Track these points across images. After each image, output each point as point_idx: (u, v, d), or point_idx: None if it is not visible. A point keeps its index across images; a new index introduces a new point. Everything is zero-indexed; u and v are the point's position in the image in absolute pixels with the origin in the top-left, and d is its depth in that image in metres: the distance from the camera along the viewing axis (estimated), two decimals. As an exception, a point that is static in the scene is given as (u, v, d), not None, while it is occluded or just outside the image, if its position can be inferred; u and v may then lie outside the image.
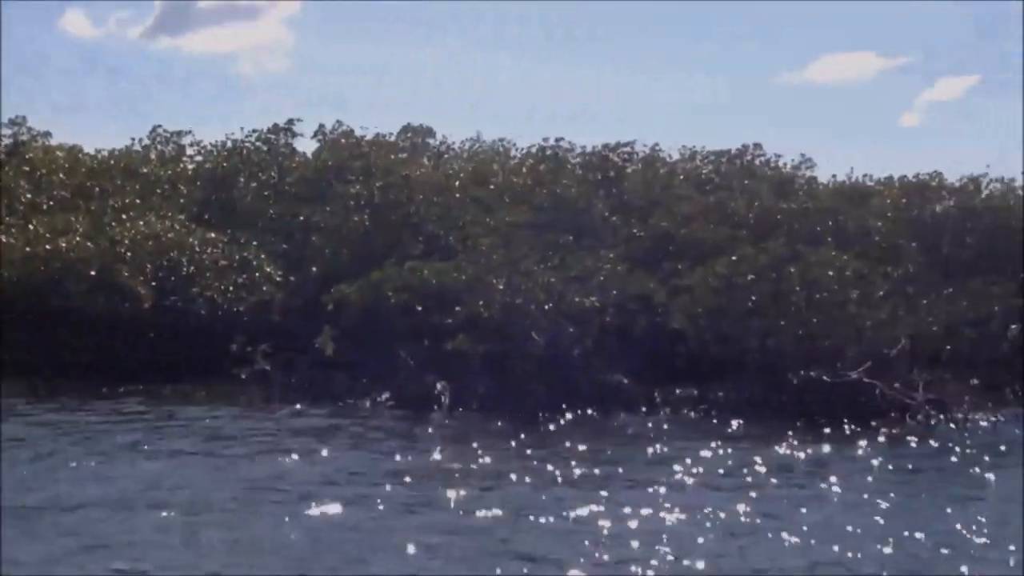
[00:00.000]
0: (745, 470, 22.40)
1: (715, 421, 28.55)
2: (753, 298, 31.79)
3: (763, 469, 22.53)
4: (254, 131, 43.05)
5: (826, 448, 25.06)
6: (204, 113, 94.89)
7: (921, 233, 43.11)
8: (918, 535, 17.34)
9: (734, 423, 27.98)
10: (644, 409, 29.59)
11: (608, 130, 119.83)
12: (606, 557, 16.10)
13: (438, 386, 28.71)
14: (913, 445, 25.62)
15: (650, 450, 24.14)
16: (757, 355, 30.91)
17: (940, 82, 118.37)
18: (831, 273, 32.31)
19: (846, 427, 27.39)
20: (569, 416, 27.78)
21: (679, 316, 32.08)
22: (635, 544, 16.65)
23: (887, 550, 16.60)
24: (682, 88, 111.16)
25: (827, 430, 26.91)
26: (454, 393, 28.72)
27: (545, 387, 28.57)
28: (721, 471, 22.26)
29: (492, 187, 39.36)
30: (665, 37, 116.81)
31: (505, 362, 29.16)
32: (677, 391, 31.95)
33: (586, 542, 16.71)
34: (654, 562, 15.76)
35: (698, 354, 32.24)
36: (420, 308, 31.44)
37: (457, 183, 39.02)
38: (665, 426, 27.76)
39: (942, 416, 28.00)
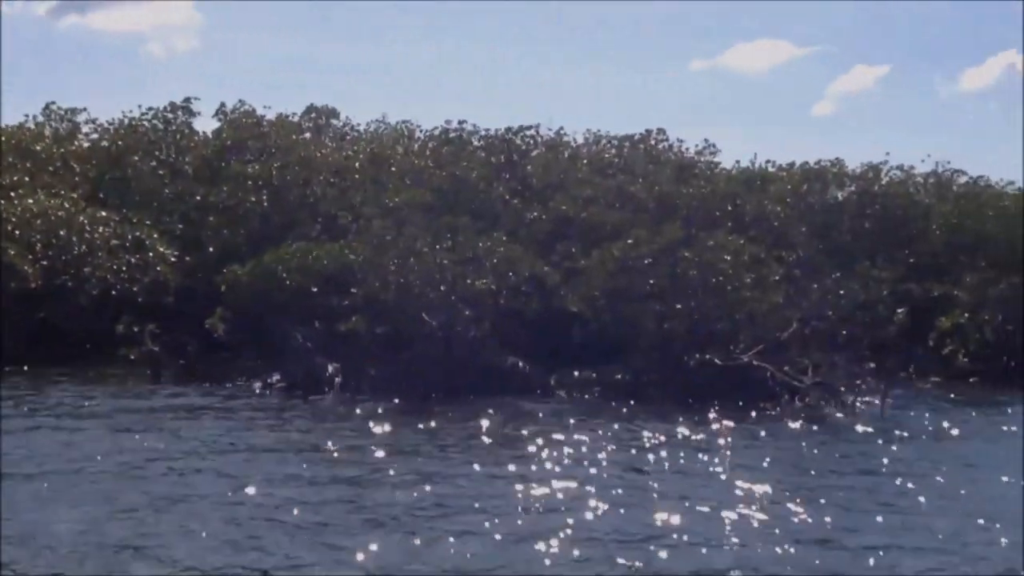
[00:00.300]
0: (633, 451, 22.41)
1: (611, 403, 28.54)
2: (650, 281, 31.81)
3: (649, 449, 22.57)
4: (150, 109, 42.27)
5: (714, 428, 25.19)
6: (112, 93, 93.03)
7: (819, 218, 43.75)
8: (791, 506, 17.45)
9: (627, 405, 28.00)
10: (539, 391, 29.49)
11: (523, 115, 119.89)
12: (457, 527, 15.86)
13: (329, 368, 28.39)
14: (796, 427, 25.80)
15: (538, 430, 24.01)
16: (653, 338, 31.01)
17: (853, 71, 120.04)
18: (728, 257, 32.45)
19: (736, 409, 27.54)
20: (462, 398, 27.50)
21: (576, 299, 32.09)
22: (500, 521, 16.40)
23: (756, 521, 16.66)
24: (598, 74, 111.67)
25: (715, 412, 27.02)
26: (346, 375, 28.43)
27: (439, 369, 28.35)
28: (607, 451, 22.23)
29: (392, 169, 39.05)
30: (582, 24, 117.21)
31: (399, 344, 28.92)
32: (575, 373, 32.02)
33: (429, 514, 16.54)
34: (532, 537, 15.61)
35: (596, 336, 32.33)
36: (315, 290, 31.10)
37: (356, 164, 38.57)
38: (558, 407, 27.74)
39: (830, 399, 28.23)
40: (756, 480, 19.40)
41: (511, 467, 20.11)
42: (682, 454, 22.13)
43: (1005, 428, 26.82)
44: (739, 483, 19.07)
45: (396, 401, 27.04)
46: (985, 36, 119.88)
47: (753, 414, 27.21)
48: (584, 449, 22.47)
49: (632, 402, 28.39)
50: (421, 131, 46.29)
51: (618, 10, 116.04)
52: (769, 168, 46.67)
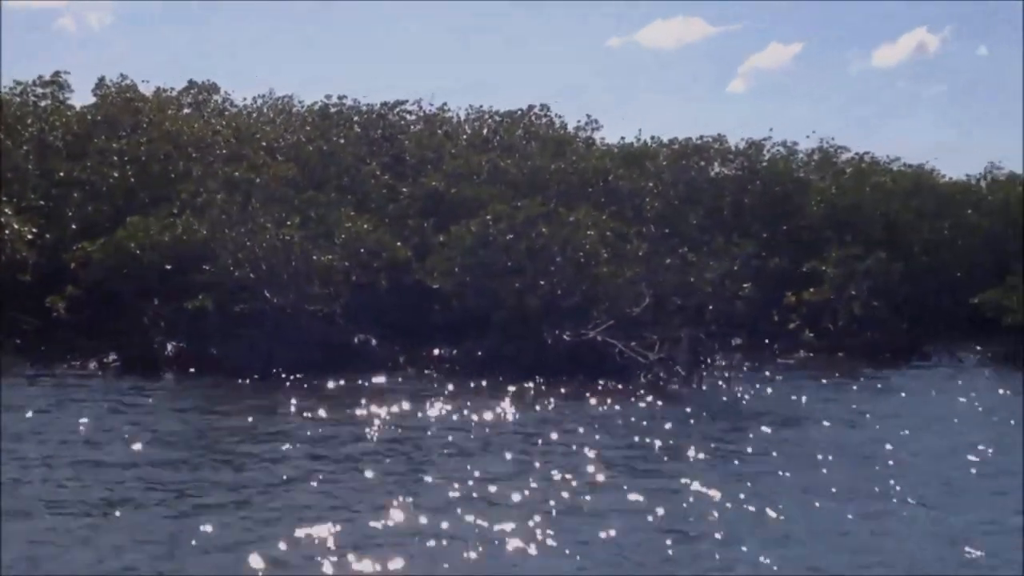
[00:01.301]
0: (474, 426, 22.17)
1: (461, 379, 28.33)
2: (510, 257, 31.64)
3: (480, 425, 22.41)
4: (17, 83, 41.25)
5: (553, 404, 25.10)
6: (25, 68, 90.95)
7: (698, 194, 43.86)
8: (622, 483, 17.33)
9: (478, 381, 27.82)
10: (389, 368, 29.26)
11: (441, 93, 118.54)
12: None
13: (168, 347, 27.92)
14: (637, 402, 25.78)
15: (372, 408, 23.73)
16: (511, 313, 30.87)
17: (768, 49, 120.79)
18: (591, 233, 32.39)
19: (583, 384, 27.51)
20: (307, 376, 27.11)
21: (435, 275, 31.86)
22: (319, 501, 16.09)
23: (588, 497, 16.50)
24: (516, 51, 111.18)
25: (563, 388, 26.97)
26: (187, 353, 27.97)
27: (284, 347, 27.96)
28: (445, 427, 22.04)
29: (262, 143, 38.49)
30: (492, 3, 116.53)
31: (244, 322, 28.48)
32: (436, 351, 31.86)
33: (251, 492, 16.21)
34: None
35: (457, 313, 32.14)
36: (169, 267, 30.55)
37: (221, 139, 37.91)
38: (404, 384, 27.47)
39: (674, 374, 28.25)
40: (566, 455, 19.33)
41: (335, 448, 19.73)
42: (511, 429, 21.99)
43: (853, 406, 26.66)
44: (570, 458, 18.97)
45: (239, 381, 26.58)
46: (897, 14, 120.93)
47: (599, 389, 27.16)
48: (413, 426, 22.26)
49: (484, 378, 28.20)
50: (301, 106, 45.66)
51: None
52: (650, 144, 46.61)
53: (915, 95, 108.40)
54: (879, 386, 30.37)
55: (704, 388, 28.08)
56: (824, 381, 30.43)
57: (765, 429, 22.54)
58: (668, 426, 22.71)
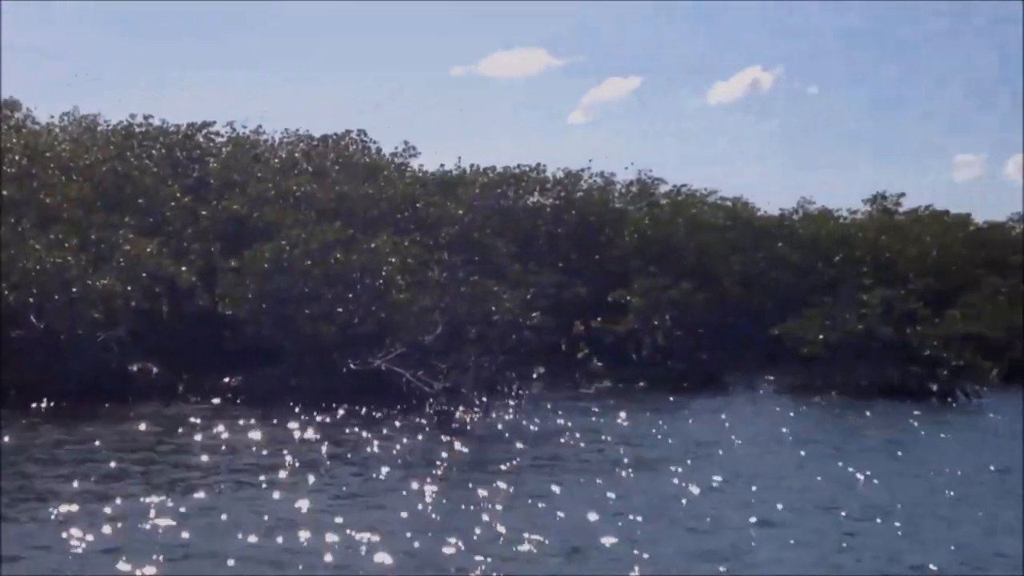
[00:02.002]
0: (243, 458, 21.35)
1: (248, 407, 27.54)
2: (307, 283, 30.97)
3: (250, 453, 21.66)
4: None
5: (345, 432, 24.43)
6: None
7: (513, 223, 43.92)
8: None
9: (264, 409, 26.99)
10: (169, 394, 28.31)
11: (282, 117, 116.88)
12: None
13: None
14: (420, 437, 25.22)
15: (137, 438, 22.80)
16: (306, 340, 30.20)
17: (607, 83, 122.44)
18: (393, 260, 31.97)
19: (368, 414, 27.01)
20: (75, 404, 25.94)
21: (228, 300, 31.02)
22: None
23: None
24: (358, 81, 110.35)
25: (349, 416, 26.51)
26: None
27: (56, 374, 26.76)
28: (213, 457, 21.19)
29: (58, 163, 37.00)
30: (339, 31, 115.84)
31: (18, 347, 27.19)
32: (225, 379, 30.93)
33: None
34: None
35: (249, 339, 31.31)
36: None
37: (14, 157, 36.26)
38: (179, 413, 26.52)
39: (459, 404, 27.89)
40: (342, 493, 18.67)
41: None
42: (280, 459, 21.26)
43: (628, 432, 26.70)
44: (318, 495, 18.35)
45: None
46: (732, 52, 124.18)
47: (376, 418, 26.67)
48: (184, 456, 21.40)
49: (272, 407, 27.41)
50: (107, 125, 44.18)
51: (380, 10, 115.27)
52: (468, 172, 46.52)
53: (748, 131, 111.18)
54: (661, 415, 30.25)
55: (493, 418, 27.76)
56: (623, 412, 30.39)
57: (521, 456, 22.29)
58: (419, 456, 22.17)
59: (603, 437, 25.27)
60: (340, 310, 30.74)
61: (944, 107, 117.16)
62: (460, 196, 41.28)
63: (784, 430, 27.97)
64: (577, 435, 25.51)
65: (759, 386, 39.03)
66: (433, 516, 16.80)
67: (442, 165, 47.22)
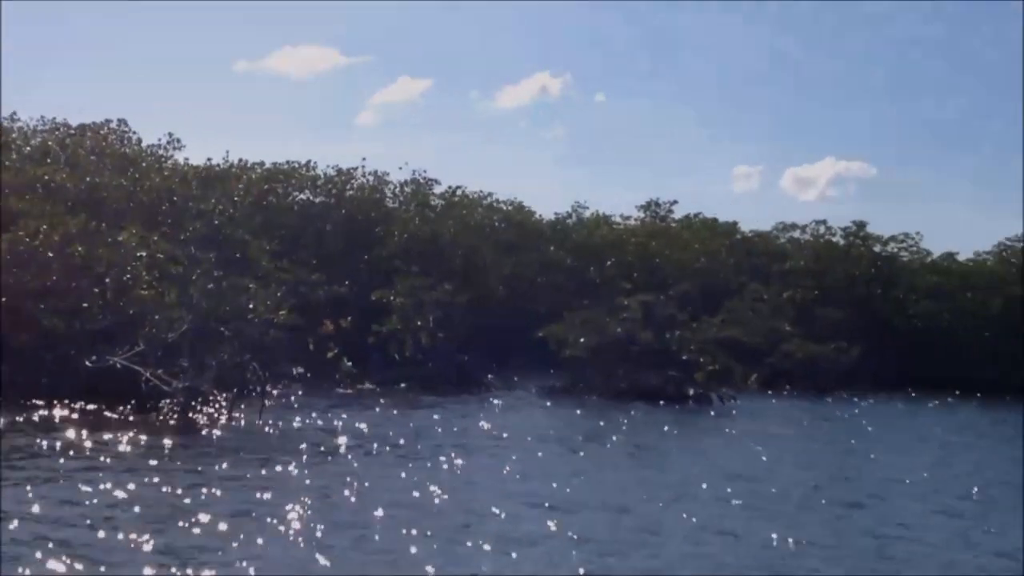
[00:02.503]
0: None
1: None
2: (45, 275, 29.29)
3: None
4: None
5: (81, 432, 22.98)
6: None
7: (280, 220, 42.91)
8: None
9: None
10: None
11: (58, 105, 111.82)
12: None
13: None
14: (144, 436, 24.02)
15: None
16: (41, 334, 28.52)
17: (397, 83, 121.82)
18: (141, 254, 30.60)
19: (102, 411, 25.68)
20: None
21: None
22: None
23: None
24: (130, 71, 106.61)
25: (80, 415, 25.09)
26: None
27: None
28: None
29: None
30: (115, 19, 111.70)
31: None
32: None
33: None
34: None
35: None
36: None
37: None
38: None
39: (199, 403, 26.84)
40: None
41: None
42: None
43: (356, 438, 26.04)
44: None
45: None
46: (521, 58, 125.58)
47: (111, 416, 25.39)
48: None
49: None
50: None
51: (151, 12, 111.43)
52: (235, 166, 45.20)
53: (535, 136, 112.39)
54: (410, 415, 29.79)
55: (235, 418, 26.79)
56: (376, 411, 29.87)
57: (234, 455, 21.50)
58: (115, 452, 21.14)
59: (337, 438, 24.56)
60: (85, 305, 29.23)
61: (725, 118, 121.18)
62: (222, 191, 39.95)
63: (526, 431, 27.84)
64: (314, 435, 24.84)
65: (521, 389, 39.09)
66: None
67: (209, 159, 45.77)
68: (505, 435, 27.04)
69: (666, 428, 31.43)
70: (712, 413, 36.55)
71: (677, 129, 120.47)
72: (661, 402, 36.87)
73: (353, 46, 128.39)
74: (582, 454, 24.75)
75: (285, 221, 42.68)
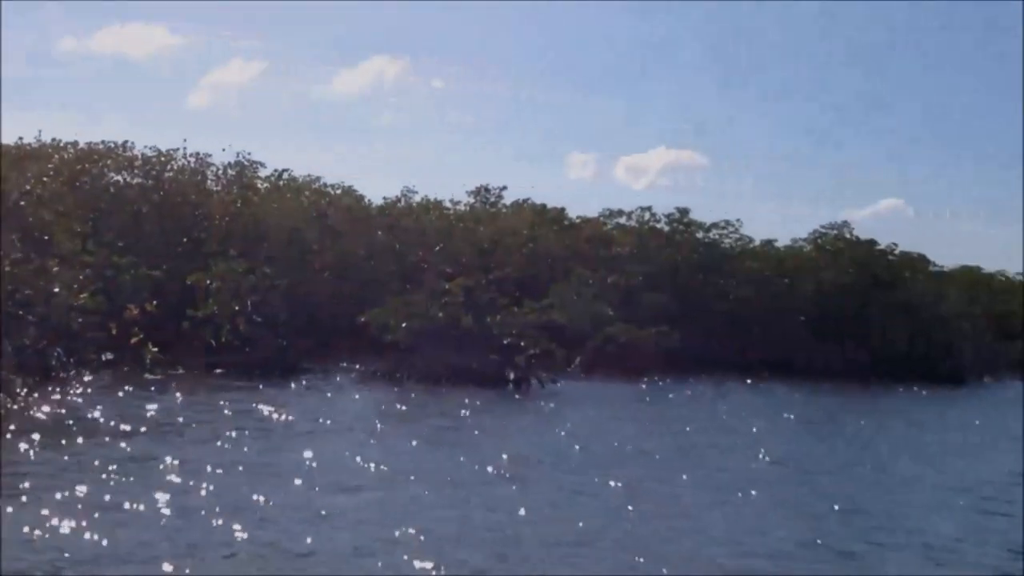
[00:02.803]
0: None
1: None
2: None
3: None
4: None
5: None
6: None
7: (93, 200, 41.70)
8: None
9: None
10: None
11: None
12: None
13: None
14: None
15: None
16: None
17: (231, 64, 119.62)
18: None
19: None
20: None
21: None
22: None
23: None
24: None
25: None
26: None
27: None
28: None
29: None
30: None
31: None
32: None
33: None
34: None
35: None
36: None
37: None
38: None
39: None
40: None
41: None
42: None
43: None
44: None
45: None
46: (358, 42, 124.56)
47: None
48: None
49: None
50: None
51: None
52: (46, 146, 43.76)
53: (373, 121, 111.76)
54: (211, 403, 29.28)
55: (32, 402, 25.91)
56: (177, 396, 29.27)
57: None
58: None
59: (122, 424, 23.92)
60: None
61: (561, 106, 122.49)
62: (33, 171, 38.54)
63: (332, 417, 27.65)
64: (108, 421, 24.23)
65: (343, 374, 38.82)
66: None
67: (20, 138, 44.18)
68: (304, 420, 26.78)
69: (476, 412, 31.37)
70: (530, 397, 36.93)
71: (514, 116, 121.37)
72: (481, 386, 36.99)
73: (183, 25, 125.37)
74: (373, 442, 24.49)
75: (98, 202, 41.46)
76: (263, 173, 50.59)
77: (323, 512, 16.61)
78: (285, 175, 51.31)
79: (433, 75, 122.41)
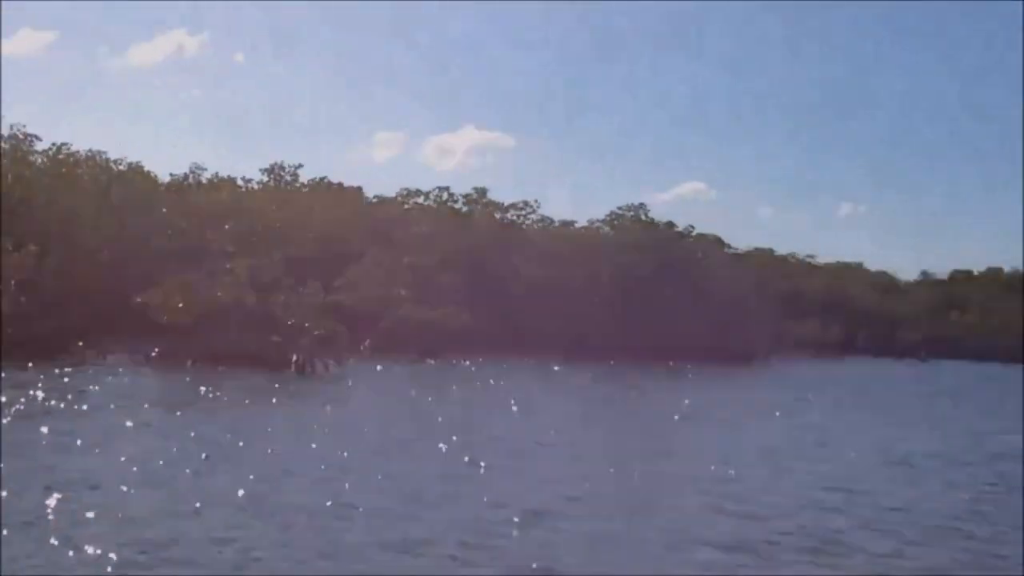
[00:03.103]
0: None
1: None
2: None
3: None
4: None
5: None
6: None
7: None
8: None
9: None
10: None
11: None
12: None
13: None
14: None
15: None
16: None
17: (19, 34, 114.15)
18: None
19: None
20: None
21: None
22: None
23: None
24: None
25: None
26: None
27: None
28: None
29: None
30: None
31: None
32: None
33: None
34: None
35: None
36: None
37: None
38: None
39: None
40: None
41: None
42: None
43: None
44: None
45: None
46: (155, 14, 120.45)
47: None
48: None
49: None
50: None
51: None
52: None
53: (172, 96, 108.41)
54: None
55: None
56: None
57: None
58: None
59: None
60: None
61: (368, 84, 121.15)
62: None
63: (83, 401, 26.19)
64: None
65: (117, 356, 37.19)
66: None
67: None
68: (50, 404, 25.28)
69: (255, 395, 30.32)
70: (314, 379, 36.14)
71: (319, 93, 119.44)
72: (263, 369, 35.89)
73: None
74: (129, 424, 23.19)
75: None
76: (40, 147, 48.16)
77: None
78: (64, 149, 48.95)
79: (235, 50, 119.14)
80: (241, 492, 16.04)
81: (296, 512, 15.01)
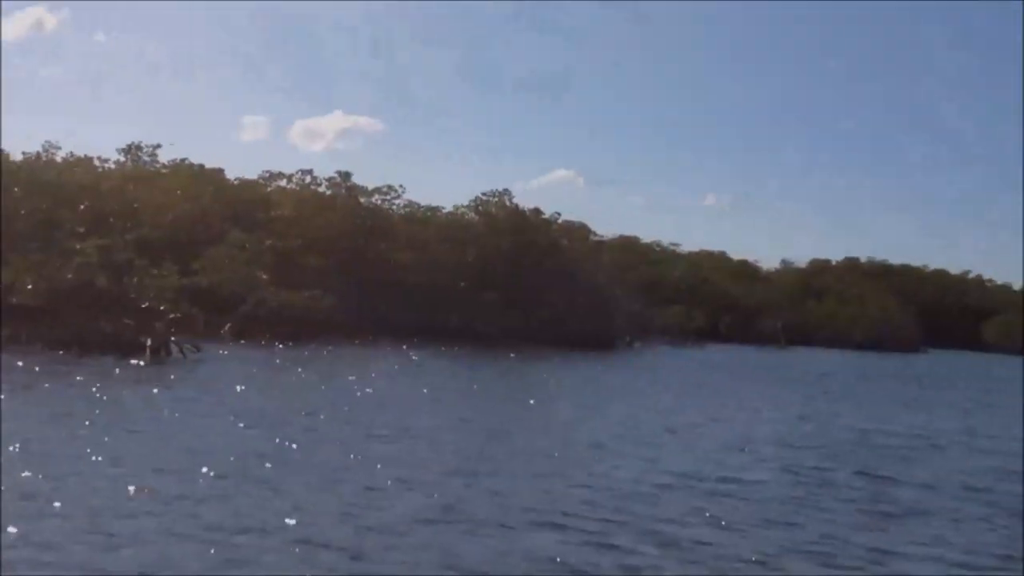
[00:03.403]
0: None
1: None
2: None
3: None
4: None
5: None
6: None
7: None
8: None
9: None
10: None
11: None
12: None
13: None
14: None
15: None
16: None
17: None
18: None
19: None
20: None
21: None
22: None
23: None
24: None
25: None
26: None
27: None
28: None
29: None
30: None
31: None
32: None
33: None
34: None
35: None
36: None
37: None
38: None
39: None
40: None
41: None
42: None
43: None
44: None
45: None
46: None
47: None
48: None
49: None
50: None
51: None
52: None
53: (26, 73, 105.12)
54: None
55: None
56: None
57: None
58: None
59: None
60: None
61: (233, 65, 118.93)
62: None
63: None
64: None
65: None
66: None
67: None
68: None
69: (94, 381, 29.26)
70: (172, 363, 35.40)
71: (183, 74, 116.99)
72: (115, 353, 34.97)
73: None
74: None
75: None
76: None
77: None
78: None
79: (96, 28, 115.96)
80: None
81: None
